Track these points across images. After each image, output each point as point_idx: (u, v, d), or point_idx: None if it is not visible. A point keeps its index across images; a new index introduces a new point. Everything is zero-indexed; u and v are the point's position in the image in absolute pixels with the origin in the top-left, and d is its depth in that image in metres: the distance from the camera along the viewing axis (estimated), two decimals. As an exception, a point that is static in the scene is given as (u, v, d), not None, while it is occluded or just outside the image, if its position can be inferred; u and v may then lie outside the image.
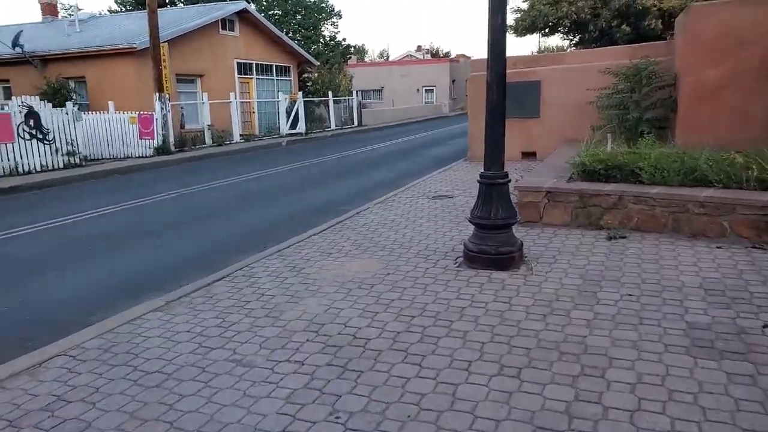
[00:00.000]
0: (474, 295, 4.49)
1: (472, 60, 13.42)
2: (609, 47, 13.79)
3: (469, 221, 5.32)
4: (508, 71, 12.41)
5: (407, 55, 57.46)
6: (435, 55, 60.21)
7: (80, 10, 22.92)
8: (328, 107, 26.28)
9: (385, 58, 70.11)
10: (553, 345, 3.60)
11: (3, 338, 4.42)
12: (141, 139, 15.63)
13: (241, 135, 20.73)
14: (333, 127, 26.02)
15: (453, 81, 45.62)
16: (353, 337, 3.85)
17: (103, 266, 6.23)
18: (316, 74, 27.99)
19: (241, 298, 4.68)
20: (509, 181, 5.25)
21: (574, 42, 42.59)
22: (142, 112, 15.63)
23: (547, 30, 40.35)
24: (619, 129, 10.47)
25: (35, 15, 23.94)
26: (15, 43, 17.23)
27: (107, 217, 8.79)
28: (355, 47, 30.82)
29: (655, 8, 36.32)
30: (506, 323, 3.95)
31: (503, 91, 5.11)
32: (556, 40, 46.50)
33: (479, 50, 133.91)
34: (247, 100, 22.93)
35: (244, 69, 22.77)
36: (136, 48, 16.77)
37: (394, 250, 5.88)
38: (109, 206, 9.42)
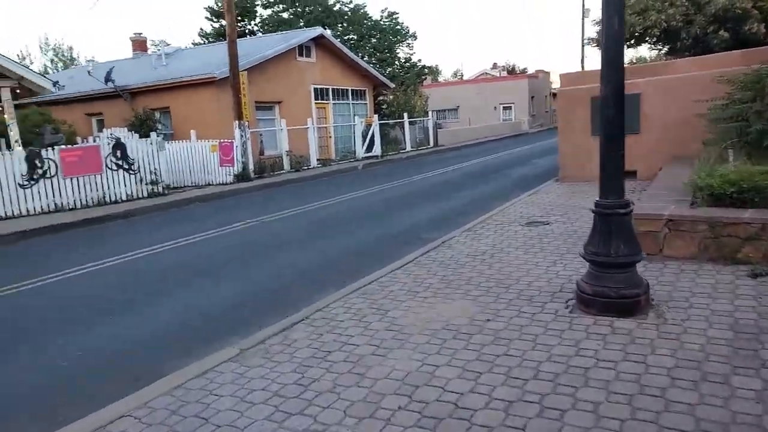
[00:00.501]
0: (597, 351, 3.71)
1: (561, 74, 12.54)
2: (717, 54, 12.48)
3: (583, 257, 4.53)
4: (596, 85, 11.38)
5: (483, 73, 56.56)
6: (511, 71, 58.94)
7: (167, 45, 23.97)
8: (404, 129, 25.92)
9: (459, 77, 69.54)
10: (720, 428, 2.77)
11: (76, 384, 4.10)
12: (221, 166, 15.80)
13: (318, 160, 20.70)
14: (408, 148, 25.61)
15: (532, 97, 44.24)
16: (454, 406, 3.18)
17: (179, 301, 5.92)
18: (391, 96, 27.79)
19: (322, 347, 4.14)
20: (631, 211, 4.43)
21: (663, 52, 40.23)
22: (222, 140, 15.82)
23: (633, 41, 38.36)
24: (737, 144, 9.25)
25: (128, 51, 25.48)
26: (107, 79, 18.11)
27: (185, 248, 8.62)
28: (429, 68, 30.39)
29: (756, 11, 33.63)
30: (647, 392, 3.15)
31: (621, 105, 4.34)
32: (643, 51, 44.10)
33: (558, 65, 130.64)
34: (324, 125, 22.96)
35: (320, 94, 22.86)
36: (216, 77, 17.11)
37: (490, 289, 5.17)
38: (188, 236, 9.29)
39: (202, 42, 29.59)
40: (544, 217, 8.45)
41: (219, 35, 26.32)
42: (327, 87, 23.16)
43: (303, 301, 5.55)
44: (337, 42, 23.46)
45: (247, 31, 29.32)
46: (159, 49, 22.18)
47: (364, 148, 22.10)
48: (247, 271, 6.97)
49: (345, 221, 9.88)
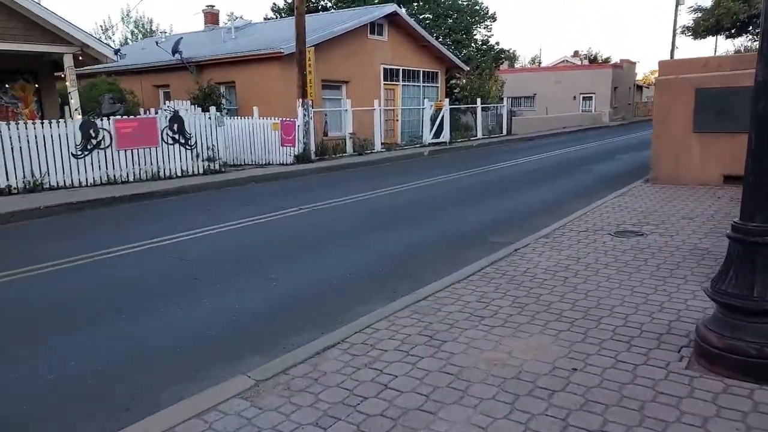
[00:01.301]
0: (736, 440, 2.61)
1: (660, 61, 10.99)
2: None
3: (710, 297, 3.39)
4: (705, 74, 9.73)
5: (563, 61, 53.61)
6: (593, 60, 55.59)
7: (239, 17, 23.65)
8: (476, 115, 24.59)
9: (537, 63, 66.56)
10: None
11: (55, 413, 3.41)
12: (282, 146, 15.20)
13: (382, 144, 19.80)
14: (479, 135, 24.28)
15: (615, 88, 41.44)
16: None
17: (195, 304, 5.19)
18: (464, 80, 26.44)
19: (356, 389, 3.24)
20: (786, 239, 3.23)
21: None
22: (284, 119, 15.20)
23: (734, 30, 34.98)
24: None
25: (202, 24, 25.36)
26: (174, 50, 17.88)
27: (224, 235, 7.96)
28: (506, 52, 28.72)
29: None
30: None
31: (790, 94, 3.13)
32: (741, 43, 40.28)
33: (645, 55, 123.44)
34: (392, 108, 22.02)
35: (390, 75, 21.90)
36: (282, 53, 16.48)
37: (576, 322, 4.10)
38: (232, 222, 8.61)
39: (274, 17, 29.20)
40: (636, 225, 7.18)
41: (291, 10, 25.77)
42: (397, 67, 22.16)
43: (345, 311, 4.70)
44: (411, 20, 22.36)
45: (320, 6, 28.64)
46: (230, 23, 21.82)
47: (432, 133, 21.02)
48: (283, 273, 6.19)
49: (403, 213, 8.95)
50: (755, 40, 38.25)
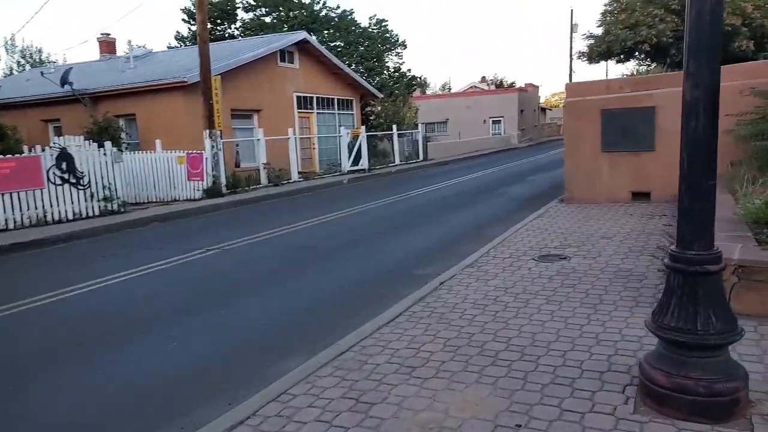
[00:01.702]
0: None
1: (567, 84, 11.32)
2: (743, 63, 11.34)
3: (654, 333, 3.15)
4: (609, 96, 10.01)
5: (471, 86, 55.56)
6: (500, 85, 58.03)
7: (140, 46, 22.45)
8: (392, 141, 24.60)
9: (448, 90, 68.65)
10: None
11: None
12: (189, 180, 14.31)
13: (299, 173, 19.28)
14: (397, 162, 24.28)
15: (521, 111, 43.27)
16: None
17: (82, 376, 4.44)
18: (379, 107, 26.49)
19: (270, 475, 2.70)
20: (723, 267, 3.06)
21: (652, 68, 39.56)
22: (191, 151, 14.34)
23: (623, 56, 37.63)
24: (764, 164, 8.03)
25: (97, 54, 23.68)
26: (64, 81, 16.51)
27: (119, 287, 7.13)
28: (418, 79, 29.18)
29: (745, 27, 33.02)
30: None
31: (715, 116, 2.98)
32: (631, 67, 43.40)
33: (546, 80, 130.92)
34: (307, 136, 21.57)
35: (304, 103, 21.49)
36: (186, 82, 15.65)
37: (513, 365, 3.77)
38: (129, 270, 7.75)
39: (178, 46, 28.08)
40: (558, 248, 7.09)
41: (196, 38, 24.91)
42: (311, 95, 21.81)
43: (258, 372, 4.13)
44: (322, 48, 22.16)
45: (226, 35, 27.89)
46: (128, 52, 20.61)
47: (350, 161, 20.73)
48: (192, 324, 5.52)
49: (322, 251, 8.45)
50: (641, 65, 41.30)
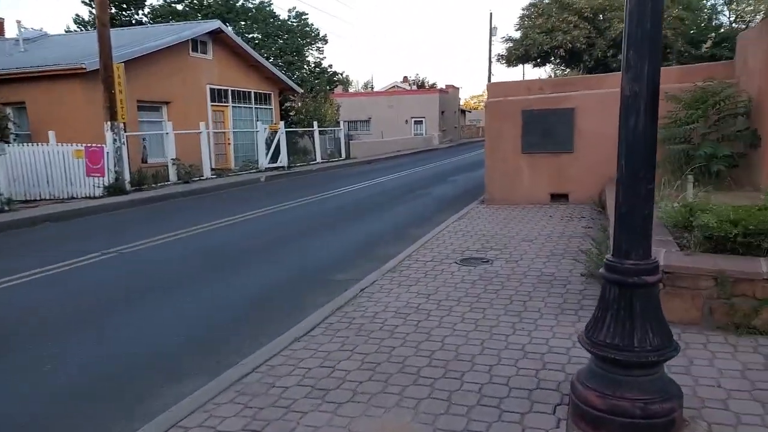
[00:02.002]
0: None
1: (489, 84, 11.27)
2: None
3: (588, 350, 2.90)
4: (530, 97, 10.02)
5: (393, 86, 55.75)
6: (421, 86, 58.64)
7: (31, 29, 20.46)
8: (313, 138, 23.98)
9: (370, 88, 68.62)
10: None
11: None
12: (89, 176, 13.09)
13: (213, 170, 18.30)
14: (318, 160, 23.70)
15: (442, 112, 43.84)
16: None
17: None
18: (300, 103, 25.74)
19: None
20: (660, 278, 2.85)
21: (567, 73, 41.38)
22: (90, 145, 13.13)
23: (539, 59, 39.06)
24: (681, 168, 8.28)
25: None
26: (-58, 63, 14.70)
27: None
28: (340, 74, 28.73)
29: (650, 38, 35.08)
30: None
31: (655, 112, 2.76)
32: (548, 71, 45.10)
33: (466, 82, 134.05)
34: (222, 131, 20.57)
35: (218, 96, 20.46)
36: (85, 69, 14.34)
37: (436, 383, 3.44)
38: (11, 276, 6.83)
39: (78, 30, 26.01)
40: (480, 251, 6.90)
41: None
42: (226, 88, 20.80)
43: (150, 398, 3.57)
44: (238, 39, 21.18)
45: (134, 21, 26.13)
46: (19, 34, 18.69)
47: (268, 157, 19.94)
48: (78, 342, 4.81)
49: (232, 254, 7.83)
50: (557, 69, 42.96)
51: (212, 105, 20.18)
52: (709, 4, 42.50)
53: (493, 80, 43.87)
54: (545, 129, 10.27)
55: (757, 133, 7.78)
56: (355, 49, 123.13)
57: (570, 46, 35.84)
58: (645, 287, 2.73)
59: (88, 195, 13.05)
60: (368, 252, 7.53)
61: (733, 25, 44.32)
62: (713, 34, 38.14)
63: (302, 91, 25.13)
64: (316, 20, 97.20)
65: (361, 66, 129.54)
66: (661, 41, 2.79)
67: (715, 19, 41.87)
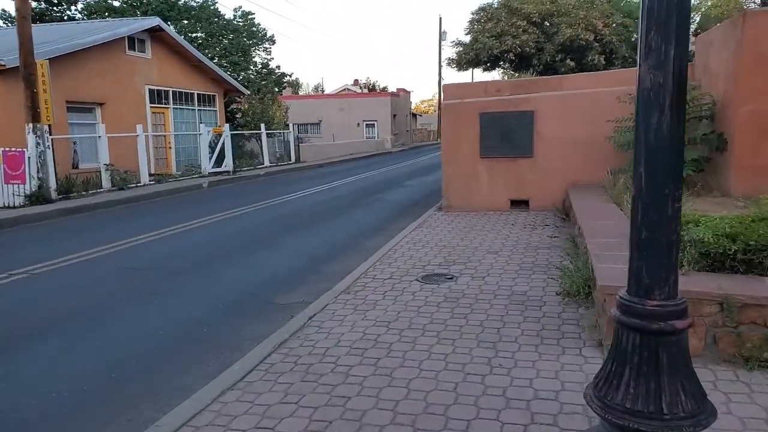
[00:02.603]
0: None
1: (445, 85, 10.72)
2: (619, 69, 11.47)
3: (600, 415, 2.25)
4: (488, 99, 9.50)
5: (344, 89, 54.95)
6: (372, 89, 58.06)
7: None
8: (261, 141, 22.97)
9: (321, 91, 67.62)
10: None
11: None
12: (7, 183, 11.78)
13: (152, 175, 17.11)
14: (266, 164, 22.70)
15: (394, 115, 43.38)
16: None
17: None
18: (246, 105, 24.68)
19: None
20: (691, 323, 2.23)
21: (516, 77, 41.72)
22: (8, 149, 11.83)
23: (489, 64, 39.23)
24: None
25: None
26: None
27: None
28: (289, 76, 27.72)
29: (597, 43, 35.78)
30: None
31: (682, 111, 2.14)
32: (497, 75, 45.39)
33: (417, 86, 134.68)
34: (162, 134, 19.33)
35: (158, 97, 19.22)
36: (5, 65, 13.01)
37: (403, 451, 2.74)
38: None
39: (6, 25, 24.13)
40: (443, 266, 6.27)
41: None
42: (166, 89, 19.58)
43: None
44: (178, 37, 19.99)
45: (66, 17, 24.44)
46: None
47: (212, 162, 18.85)
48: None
49: (160, 272, 6.92)
50: (506, 73, 43.28)
51: (151, 107, 18.93)
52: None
53: (443, 84, 43.76)
54: (504, 132, 9.79)
55: (723, 137, 7.48)
56: (305, 51, 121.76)
57: (519, 50, 36.08)
58: (674, 335, 2.12)
59: (6, 204, 11.73)
60: (319, 268, 6.80)
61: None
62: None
63: (249, 92, 24.08)
64: (264, 20, 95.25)
65: (311, 69, 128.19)
66: (690, 18, 2.19)
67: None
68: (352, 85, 57.49)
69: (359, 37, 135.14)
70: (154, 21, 18.32)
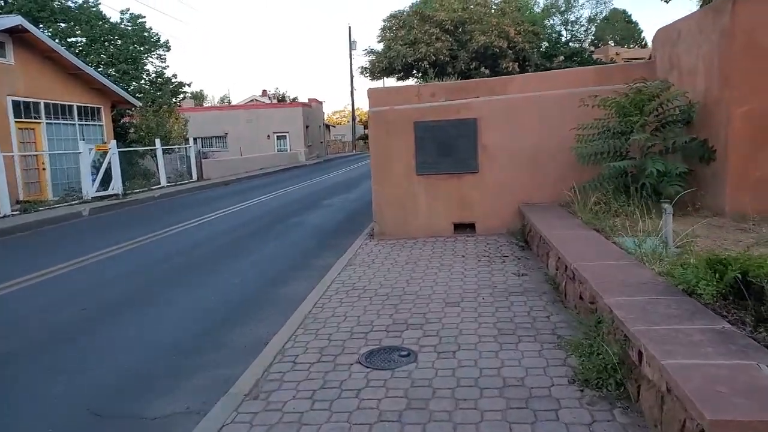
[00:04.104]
0: None
1: (371, 89, 9.06)
2: (568, 69, 10.30)
3: None
4: (423, 106, 7.73)
5: (252, 100, 52.10)
6: (282, 99, 55.59)
7: None
8: (157, 158, 20.30)
9: (228, 103, 64.21)
10: None
11: None
12: None
13: (20, 202, 14.22)
14: (163, 183, 20.05)
15: (307, 127, 41.31)
16: None
17: None
18: (139, 118, 21.82)
19: None
20: None
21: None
22: None
23: (403, 72, 38.29)
24: (623, 190, 6.60)
25: None
26: None
27: None
28: (188, 86, 24.98)
29: (510, 50, 35.75)
30: None
31: None
32: (412, 83, 44.71)
33: (329, 97, 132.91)
34: (33, 153, 16.29)
35: (25, 110, 16.17)
36: None
37: None
38: None
39: None
40: (392, 332, 4.53)
41: None
42: (36, 101, 16.55)
43: None
44: (48, 40, 16.99)
45: None
46: None
47: (96, 184, 16.09)
48: None
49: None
50: (420, 81, 42.80)
51: (17, 121, 15.85)
52: (549, 24, 44.87)
53: (356, 95, 42.27)
54: (443, 144, 8.26)
55: (709, 145, 6.30)
56: (210, 63, 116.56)
57: (434, 58, 35.35)
58: None
59: None
60: (218, 338, 4.85)
61: (570, 44, 47.31)
62: (564, 48, 39.97)
63: (140, 104, 21.27)
64: (160, 27, 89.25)
65: (217, 80, 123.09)
66: None
67: (557, 36, 44.22)
68: (260, 96, 54.78)
69: (267, 48, 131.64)
70: (16, 20, 15.31)
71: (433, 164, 8.31)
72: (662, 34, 7.73)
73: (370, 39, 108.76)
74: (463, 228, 8.42)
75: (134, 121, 22.45)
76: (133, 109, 21.93)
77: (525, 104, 8.04)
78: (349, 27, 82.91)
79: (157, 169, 20.33)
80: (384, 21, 38.28)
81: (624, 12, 51.78)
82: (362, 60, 56.12)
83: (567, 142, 7.59)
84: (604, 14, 51.46)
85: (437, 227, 8.37)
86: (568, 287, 4.74)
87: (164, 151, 20.83)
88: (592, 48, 48.34)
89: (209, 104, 63.81)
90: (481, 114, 8.17)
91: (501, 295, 5.27)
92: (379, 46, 38.28)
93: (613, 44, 42.46)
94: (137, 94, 22.72)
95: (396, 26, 37.37)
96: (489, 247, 7.37)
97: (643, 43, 50.61)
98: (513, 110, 8.09)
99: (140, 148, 20.38)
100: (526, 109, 8.02)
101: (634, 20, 52.39)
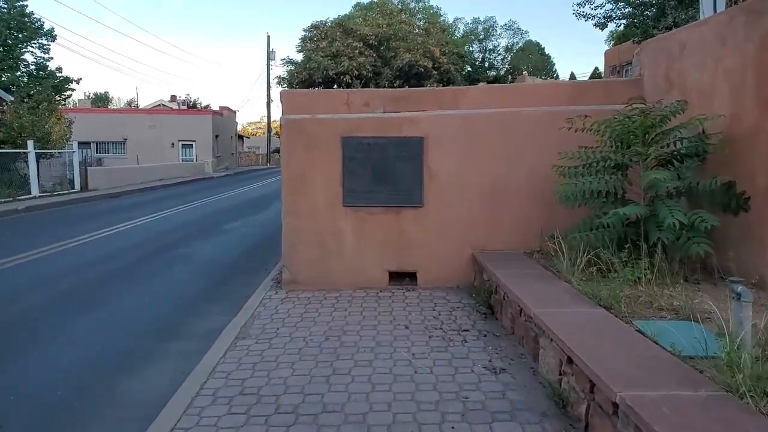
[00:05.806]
0: None
1: (284, 92, 6.94)
2: (544, 82, 8.65)
3: None
4: (356, 116, 5.78)
5: (159, 105, 48.00)
6: (192, 106, 51.78)
7: None
8: (28, 163, 17.00)
9: (135, 107, 59.24)
10: None
11: None
12: None
13: None
14: (35, 193, 16.78)
15: (217, 136, 38.18)
16: None
17: None
18: (9, 115, 18.38)
19: None
20: None
21: (353, 101, 38.86)
22: None
23: (324, 85, 36.32)
24: (624, 241, 4.91)
25: None
26: None
27: None
28: (76, 82, 21.57)
29: (435, 71, 34.83)
30: None
31: None
32: (340, 90, 42.77)
33: (244, 108, 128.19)
34: None
35: None
36: None
37: None
38: None
39: None
40: None
41: None
42: None
43: None
44: None
45: None
46: None
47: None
48: None
49: None
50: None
51: None
52: (468, 50, 44.78)
53: (282, 91, 39.85)
54: (380, 169, 6.34)
55: (738, 190, 4.73)
56: (118, 65, 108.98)
57: (357, 72, 33.73)
58: None
59: None
60: None
61: (488, 71, 47.48)
62: (486, 75, 39.70)
63: (11, 99, 17.85)
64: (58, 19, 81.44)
65: (124, 83, 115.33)
66: None
67: (480, 61, 44.15)
68: (168, 101, 50.73)
69: (181, 53, 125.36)
70: None
71: (365, 193, 6.35)
72: (653, 46, 6.26)
73: (289, 49, 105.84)
74: (401, 278, 6.49)
75: (4, 118, 18.92)
76: (4, 104, 18.48)
77: (487, 123, 6.29)
78: (268, 36, 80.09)
79: (30, 177, 17.00)
80: (305, 31, 36.29)
81: (538, 44, 52.96)
82: (280, 70, 53.69)
83: (538, 173, 5.90)
84: (520, 45, 52.44)
85: (367, 275, 6.38)
86: (603, 424, 2.87)
87: (41, 156, 17.57)
88: (509, 76, 48.96)
89: (115, 107, 58.64)
90: (430, 132, 6.33)
91: (479, 422, 3.32)
92: (299, 57, 36.22)
93: (527, 74, 42.95)
94: (10, 87, 19.22)
95: (318, 37, 35.45)
96: (439, 311, 5.46)
97: (554, 75, 51.71)
98: (471, 130, 6.31)
99: (10, 151, 17.00)
100: (487, 129, 6.27)
101: (547, 53, 53.69)
